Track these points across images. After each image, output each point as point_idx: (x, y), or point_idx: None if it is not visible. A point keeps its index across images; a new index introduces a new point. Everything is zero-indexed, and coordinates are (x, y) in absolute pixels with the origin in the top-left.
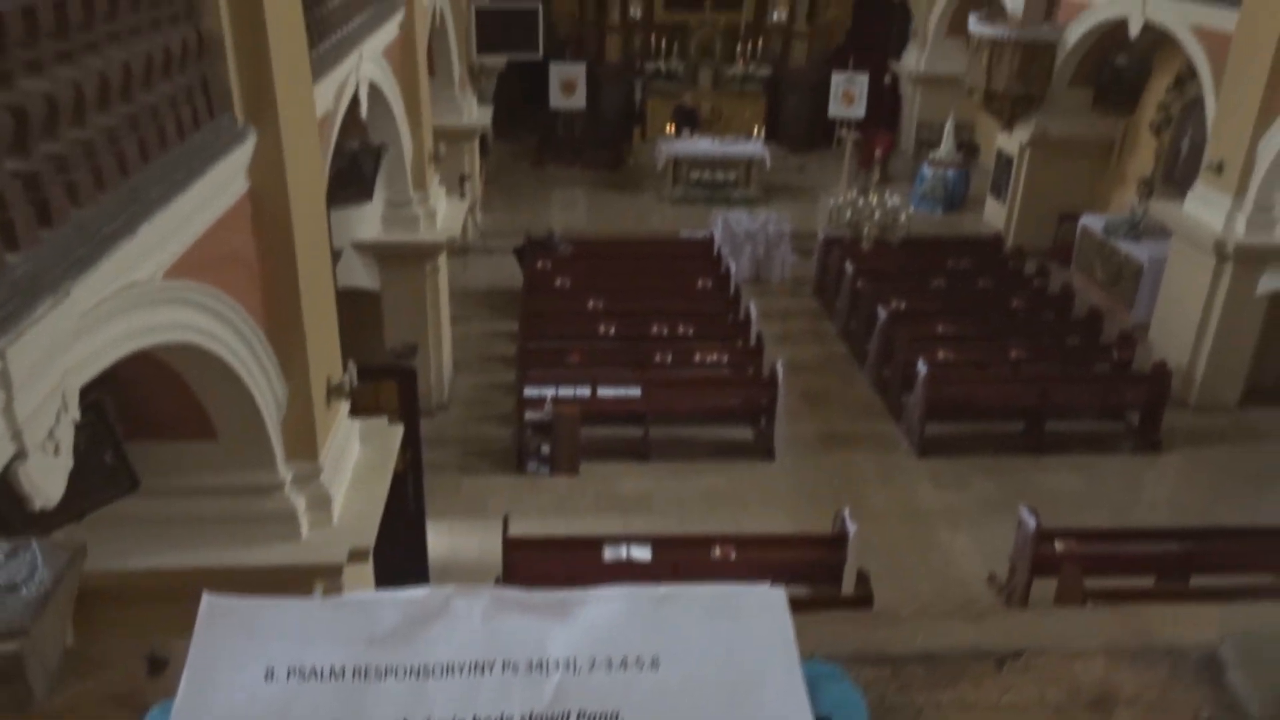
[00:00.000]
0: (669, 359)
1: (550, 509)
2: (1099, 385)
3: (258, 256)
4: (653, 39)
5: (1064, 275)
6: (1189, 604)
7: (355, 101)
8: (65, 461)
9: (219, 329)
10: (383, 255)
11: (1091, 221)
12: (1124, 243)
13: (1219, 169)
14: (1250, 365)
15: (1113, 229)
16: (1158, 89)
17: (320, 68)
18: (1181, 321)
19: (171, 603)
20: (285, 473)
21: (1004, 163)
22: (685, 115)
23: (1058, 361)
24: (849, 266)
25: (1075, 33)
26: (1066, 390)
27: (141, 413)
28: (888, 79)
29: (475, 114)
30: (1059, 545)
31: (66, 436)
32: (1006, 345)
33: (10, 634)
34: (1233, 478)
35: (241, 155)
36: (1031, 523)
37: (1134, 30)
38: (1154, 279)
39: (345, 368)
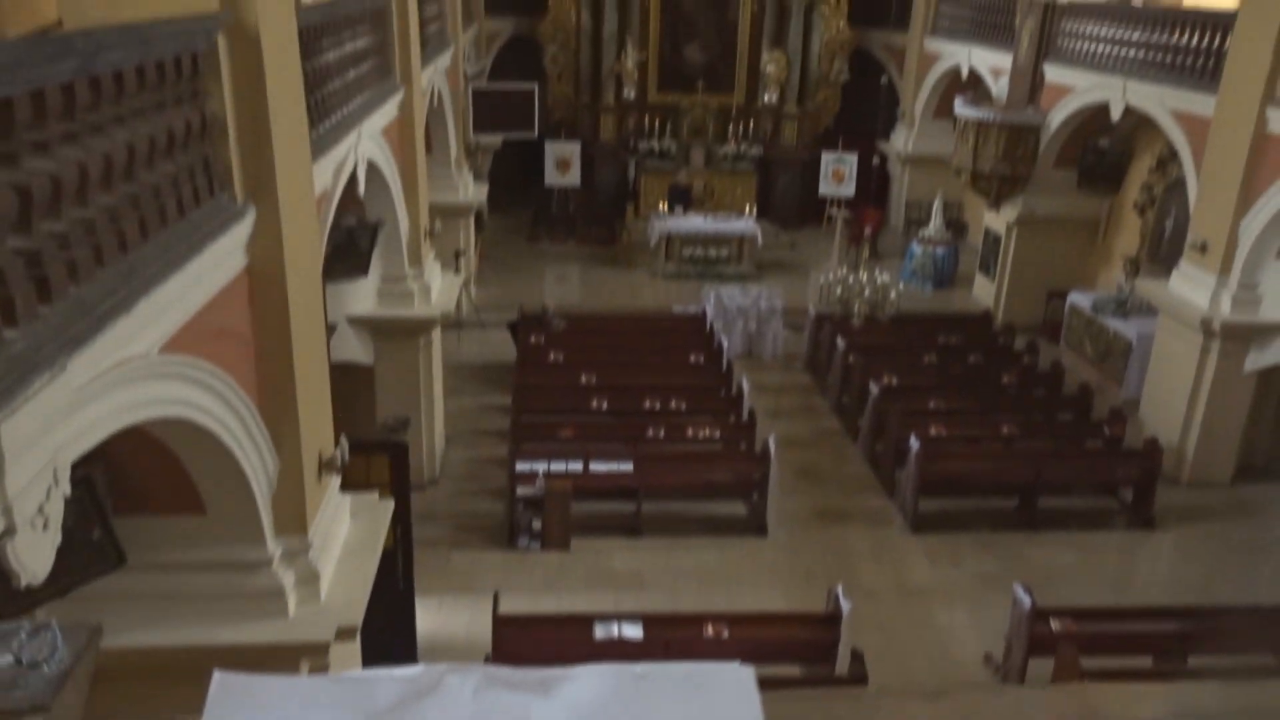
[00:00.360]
0: (661, 434)
1: (541, 585)
2: (1091, 461)
3: (253, 331)
4: (646, 119)
5: (1054, 352)
6: (1139, 682)
7: (354, 179)
8: (54, 537)
9: (212, 404)
10: (377, 329)
11: (1079, 299)
12: (1112, 320)
13: (1202, 248)
14: (1241, 441)
15: (1101, 306)
16: (1140, 170)
17: (320, 147)
18: (1171, 398)
19: (157, 679)
20: (274, 548)
21: (992, 241)
22: (680, 193)
23: (1049, 437)
24: (841, 342)
25: (1058, 116)
26: (1059, 466)
27: (129, 486)
28: (875, 159)
29: (471, 191)
30: (1055, 624)
31: (56, 512)
32: (998, 421)
33: (33, 710)
34: (1228, 554)
35: (240, 232)
36: (1026, 601)
37: (1115, 114)
38: (1143, 356)
39: (337, 442)
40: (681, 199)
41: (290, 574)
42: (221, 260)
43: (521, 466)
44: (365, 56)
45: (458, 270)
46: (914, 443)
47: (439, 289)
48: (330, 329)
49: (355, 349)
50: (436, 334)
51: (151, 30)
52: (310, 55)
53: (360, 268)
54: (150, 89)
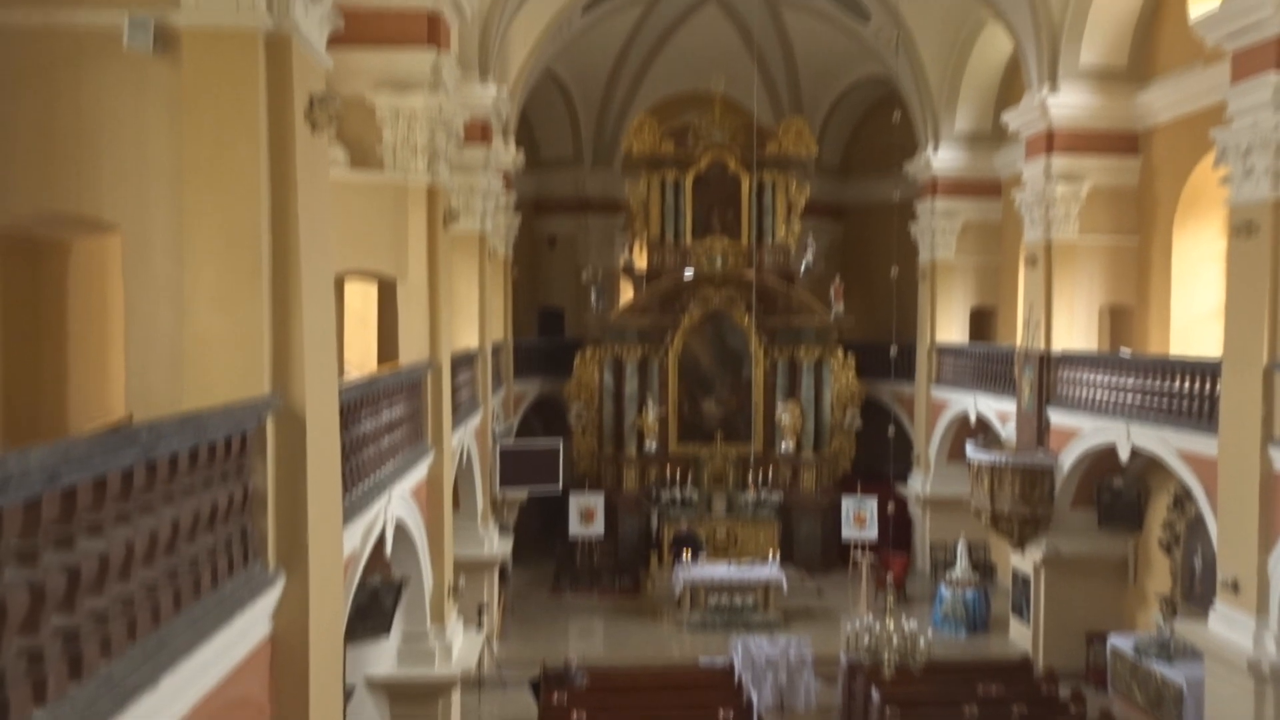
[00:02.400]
0: None
1: None
2: None
3: (270, 700)
4: (668, 469)
5: (1101, 700)
6: None
7: (381, 539)
8: None
9: None
10: (394, 692)
11: (1121, 642)
12: (1158, 664)
13: (1235, 587)
14: None
15: (1144, 649)
16: (1159, 508)
17: (352, 511)
18: None
19: None
20: None
21: (1021, 582)
22: (687, 539)
23: None
24: (875, 694)
25: (1068, 458)
26: None
27: None
28: (891, 505)
29: (496, 545)
30: None
31: None
32: None
33: None
34: None
35: (269, 600)
36: None
37: (1123, 456)
38: (1197, 701)
39: None
40: (690, 544)
41: None
42: (248, 630)
43: None
44: (399, 424)
45: (480, 625)
46: None
47: (460, 646)
48: (348, 693)
49: (371, 713)
50: (455, 696)
51: (209, 418)
52: (348, 426)
53: (383, 627)
54: (201, 468)
